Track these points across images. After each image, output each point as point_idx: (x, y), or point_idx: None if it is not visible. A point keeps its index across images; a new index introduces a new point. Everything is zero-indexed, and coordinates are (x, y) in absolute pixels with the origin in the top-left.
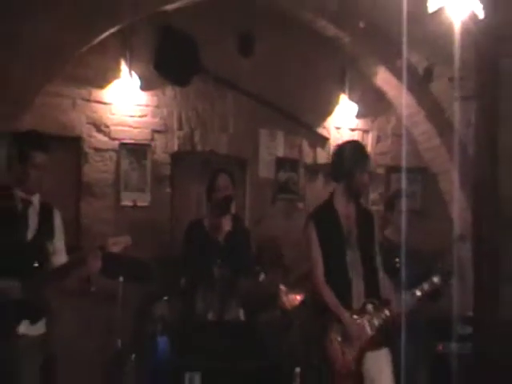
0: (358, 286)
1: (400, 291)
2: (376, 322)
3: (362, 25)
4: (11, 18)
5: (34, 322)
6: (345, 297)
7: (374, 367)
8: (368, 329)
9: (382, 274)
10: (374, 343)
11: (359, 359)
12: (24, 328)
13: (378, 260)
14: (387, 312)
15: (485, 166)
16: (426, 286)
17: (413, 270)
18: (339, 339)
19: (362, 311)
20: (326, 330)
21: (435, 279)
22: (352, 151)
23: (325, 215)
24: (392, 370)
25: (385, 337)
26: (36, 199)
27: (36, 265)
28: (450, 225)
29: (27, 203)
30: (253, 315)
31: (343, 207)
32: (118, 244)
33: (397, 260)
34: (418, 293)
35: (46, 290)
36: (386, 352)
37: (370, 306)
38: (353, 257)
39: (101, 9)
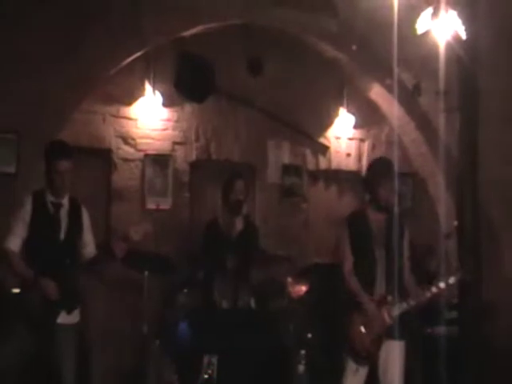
0: (381, 280)
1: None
2: (394, 312)
3: (354, 48)
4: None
5: (69, 312)
6: (369, 288)
7: (389, 358)
8: (387, 317)
9: (407, 271)
10: (391, 332)
11: (377, 345)
12: (61, 318)
13: (406, 259)
14: (405, 305)
15: (466, 169)
16: (441, 285)
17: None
18: (360, 323)
19: (382, 301)
20: (349, 315)
21: (451, 280)
22: (376, 167)
23: (357, 219)
24: (403, 364)
25: (402, 329)
26: (66, 201)
27: (68, 260)
28: (438, 222)
29: (58, 206)
30: (263, 304)
31: (373, 214)
32: (138, 232)
33: None
34: (434, 289)
35: (78, 282)
36: (401, 345)
37: (389, 298)
38: (379, 255)
39: (128, 35)
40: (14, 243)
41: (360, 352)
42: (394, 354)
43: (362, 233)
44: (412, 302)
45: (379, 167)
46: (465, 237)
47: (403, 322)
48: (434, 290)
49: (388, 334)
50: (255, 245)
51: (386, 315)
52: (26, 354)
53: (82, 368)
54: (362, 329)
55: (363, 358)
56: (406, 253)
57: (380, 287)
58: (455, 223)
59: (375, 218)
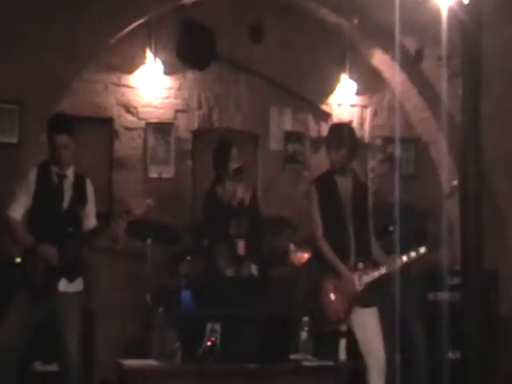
0: (351, 248)
1: (389, 254)
2: (365, 279)
3: (355, 21)
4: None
5: (71, 280)
6: (341, 254)
7: (362, 323)
8: (357, 284)
9: (373, 239)
10: (362, 299)
11: (347, 311)
12: (63, 286)
13: (371, 227)
14: (376, 272)
15: (469, 133)
16: (412, 254)
17: (406, 226)
18: (332, 288)
19: (353, 268)
20: (322, 280)
21: (422, 250)
22: (333, 132)
23: (324, 182)
24: (378, 326)
25: (373, 296)
26: (70, 172)
27: (71, 229)
28: (440, 187)
29: (62, 177)
30: (265, 271)
31: (339, 178)
32: (141, 207)
33: (391, 228)
34: (405, 258)
35: (80, 252)
36: (373, 311)
37: (360, 264)
38: (348, 222)
39: (129, 3)
40: (17, 212)
41: (330, 317)
42: (367, 320)
43: (331, 197)
44: (383, 271)
45: (333, 133)
46: (467, 203)
47: (375, 288)
48: (404, 259)
49: (362, 301)
50: (256, 212)
51: (356, 282)
52: (29, 323)
53: (86, 336)
54: (333, 294)
55: (333, 322)
56: (370, 219)
57: (351, 253)
58: (455, 182)
59: (341, 182)
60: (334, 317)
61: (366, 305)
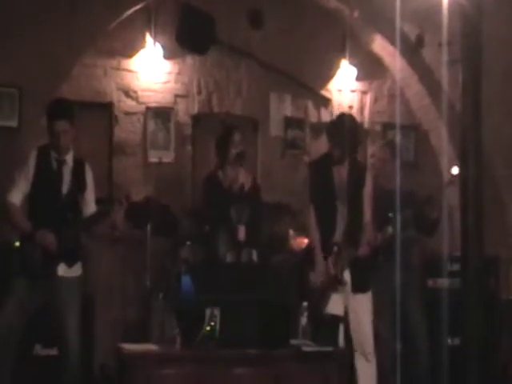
0: (338, 232)
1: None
2: (341, 263)
3: (355, 14)
4: None
5: (70, 265)
6: (330, 239)
7: (355, 308)
8: (331, 267)
9: (369, 225)
10: (336, 282)
11: (323, 294)
12: (62, 271)
13: (367, 212)
14: (347, 256)
15: (470, 120)
16: (379, 237)
17: (406, 212)
18: (309, 272)
19: (328, 252)
20: (301, 264)
21: (389, 230)
22: (335, 122)
23: (320, 167)
24: (370, 312)
25: (362, 280)
26: (70, 158)
27: (70, 215)
28: (440, 175)
29: (61, 162)
30: (265, 256)
31: (335, 165)
32: (139, 194)
33: (390, 215)
34: (380, 236)
35: (79, 237)
36: (367, 296)
37: (335, 248)
38: (340, 205)
39: None
40: (16, 197)
41: (310, 300)
42: (362, 307)
43: (324, 182)
44: (355, 253)
45: (340, 122)
46: (467, 190)
47: (365, 274)
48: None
49: (332, 283)
50: (256, 198)
51: (330, 265)
52: (29, 307)
53: (86, 321)
54: (311, 277)
55: (313, 306)
56: (367, 204)
57: (339, 237)
58: (455, 170)
59: (337, 169)
60: (313, 299)
61: (357, 290)
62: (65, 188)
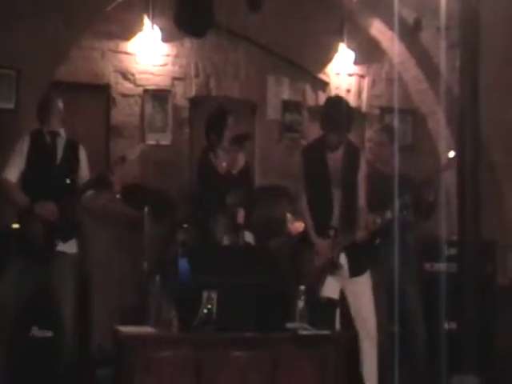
0: (335, 217)
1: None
2: (337, 247)
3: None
4: None
5: (65, 240)
6: (324, 224)
7: (354, 291)
8: (328, 251)
9: (364, 208)
10: (332, 265)
11: (320, 277)
12: (58, 246)
13: (361, 196)
14: (344, 240)
15: (468, 105)
16: (378, 220)
17: (403, 196)
18: (307, 256)
19: (325, 236)
20: (298, 248)
21: (388, 215)
22: (326, 106)
23: (313, 154)
24: (370, 294)
25: (358, 264)
26: (63, 133)
27: (68, 182)
28: (438, 159)
29: (54, 134)
30: (262, 240)
31: (329, 151)
32: (134, 152)
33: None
34: (378, 220)
35: (75, 210)
36: (365, 279)
37: (331, 232)
38: (335, 191)
39: None
40: (12, 174)
41: (306, 283)
42: (361, 290)
43: (318, 167)
44: (352, 237)
45: (329, 107)
46: (465, 175)
47: (362, 258)
48: (378, 220)
49: (329, 267)
50: (249, 181)
51: (327, 249)
52: (27, 286)
53: (83, 303)
54: (310, 260)
55: (309, 289)
56: (362, 188)
57: (334, 223)
58: (452, 154)
59: (331, 152)
60: (310, 283)
61: (355, 274)
62: (59, 159)
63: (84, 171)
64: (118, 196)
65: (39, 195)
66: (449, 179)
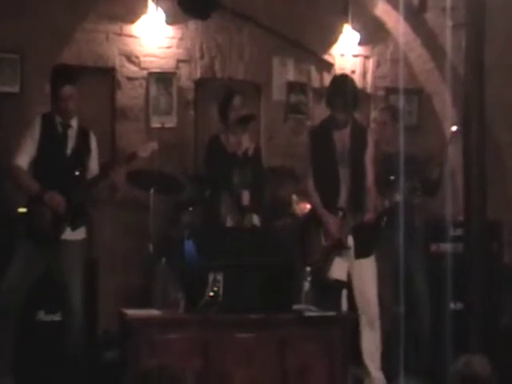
0: (342, 197)
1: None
2: (345, 227)
3: None
4: None
5: (74, 228)
6: (331, 204)
7: (359, 272)
8: (338, 230)
9: (372, 188)
10: (340, 246)
11: (326, 256)
12: (66, 234)
13: (369, 175)
14: (352, 221)
15: (473, 85)
16: (386, 203)
17: (409, 174)
18: (315, 236)
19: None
20: (307, 228)
21: (397, 197)
22: (333, 84)
23: (320, 134)
24: (375, 277)
25: (364, 246)
26: (74, 123)
27: (75, 176)
28: (443, 139)
29: (66, 126)
30: (268, 221)
31: (336, 130)
32: (146, 150)
33: (391, 177)
34: (387, 203)
35: (84, 200)
36: (370, 261)
37: (340, 213)
38: (342, 170)
39: None
40: (23, 160)
41: (313, 264)
42: (366, 272)
43: (325, 147)
44: (360, 218)
45: (335, 85)
46: (470, 154)
47: (369, 240)
48: (386, 204)
49: (337, 247)
50: (258, 162)
51: (336, 229)
52: (34, 271)
53: (89, 286)
54: (316, 241)
55: (316, 270)
56: (370, 167)
57: (341, 203)
58: (455, 128)
59: (338, 132)
60: (316, 262)
61: (360, 255)
62: (69, 149)
63: (93, 160)
64: (119, 195)
65: (48, 183)
66: (454, 159)
